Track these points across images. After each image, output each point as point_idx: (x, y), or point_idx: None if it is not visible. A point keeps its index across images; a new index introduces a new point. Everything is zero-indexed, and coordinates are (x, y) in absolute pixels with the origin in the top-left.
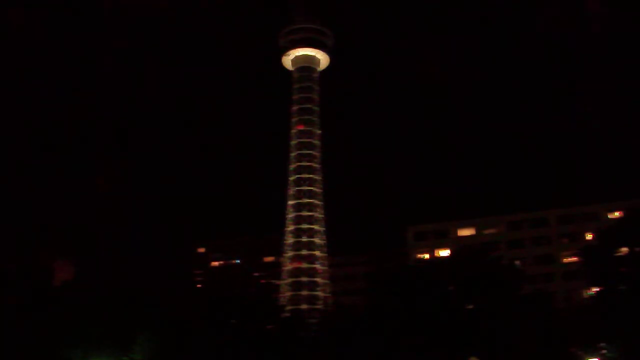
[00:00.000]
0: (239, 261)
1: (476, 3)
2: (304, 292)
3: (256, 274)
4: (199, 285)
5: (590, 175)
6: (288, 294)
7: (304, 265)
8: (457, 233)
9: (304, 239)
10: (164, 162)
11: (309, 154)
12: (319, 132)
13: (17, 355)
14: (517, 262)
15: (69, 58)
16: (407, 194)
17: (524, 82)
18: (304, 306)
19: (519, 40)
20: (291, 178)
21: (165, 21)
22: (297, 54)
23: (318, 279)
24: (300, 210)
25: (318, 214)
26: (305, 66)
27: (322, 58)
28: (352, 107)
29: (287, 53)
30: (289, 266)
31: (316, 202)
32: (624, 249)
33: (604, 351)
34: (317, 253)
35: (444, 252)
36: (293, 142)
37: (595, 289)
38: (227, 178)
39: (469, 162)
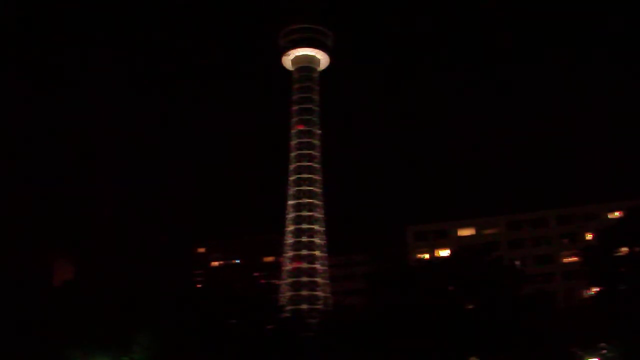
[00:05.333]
0: (239, 261)
1: (477, 4)
2: (304, 292)
3: (256, 274)
4: (199, 285)
5: (590, 175)
6: (288, 294)
7: (304, 265)
8: (457, 233)
9: (304, 239)
10: (164, 162)
11: (309, 154)
12: (319, 132)
13: (18, 355)
14: (517, 262)
15: (65, 59)
16: (407, 194)
17: (523, 82)
18: (304, 306)
19: (519, 39)
20: (291, 178)
21: (165, 21)
22: (297, 54)
23: (318, 279)
24: (300, 210)
25: (318, 214)
26: (305, 66)
27: (322, 58)
28: (352, 107)
29: (287, 53)
30: (289, 266)
31: (316, 202)
32: (624, 249)
33: (604, 351)
34: (317, 253)
35: (444, 252)
36: (293, 142)
37: (595, 289)
38: (227, 178)
39: (468, 162)
